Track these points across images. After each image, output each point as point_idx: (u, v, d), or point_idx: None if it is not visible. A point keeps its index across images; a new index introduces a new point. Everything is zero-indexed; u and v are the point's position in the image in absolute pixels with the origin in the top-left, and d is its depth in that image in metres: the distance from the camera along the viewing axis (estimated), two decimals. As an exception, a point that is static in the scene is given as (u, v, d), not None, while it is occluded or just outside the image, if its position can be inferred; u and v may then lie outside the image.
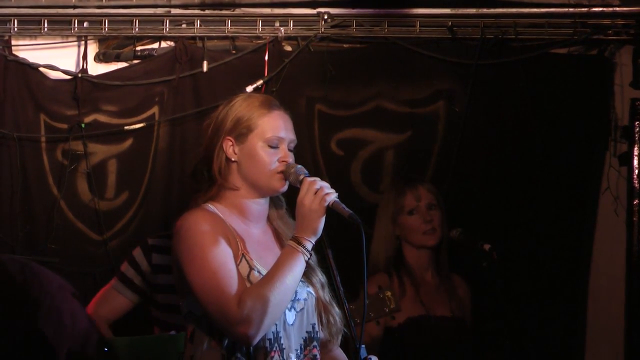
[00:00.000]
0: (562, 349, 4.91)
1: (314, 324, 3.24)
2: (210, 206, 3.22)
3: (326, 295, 3.25)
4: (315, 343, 3.24)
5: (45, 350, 3.09)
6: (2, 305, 3.05)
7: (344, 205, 3.09)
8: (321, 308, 3.25)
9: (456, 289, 4.51)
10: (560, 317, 4.92)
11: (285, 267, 3.10)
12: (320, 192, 3.10)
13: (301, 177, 3.16)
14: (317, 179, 3.14)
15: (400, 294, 4.31)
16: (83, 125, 4.90)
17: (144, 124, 4.96)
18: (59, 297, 3.14)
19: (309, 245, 3.12)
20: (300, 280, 3.20)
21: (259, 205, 3.26)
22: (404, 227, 4.43)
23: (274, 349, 3.14)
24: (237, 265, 3.12)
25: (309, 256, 3.12)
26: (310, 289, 3.25)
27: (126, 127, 4.95)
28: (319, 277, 3.26)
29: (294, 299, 3.19)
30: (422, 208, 4.42)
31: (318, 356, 3.24)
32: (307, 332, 3.23)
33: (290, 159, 3.23)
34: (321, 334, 3.28)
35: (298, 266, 3.11)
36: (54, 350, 3.10)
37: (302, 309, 3.22)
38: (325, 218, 3.10)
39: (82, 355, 3.17)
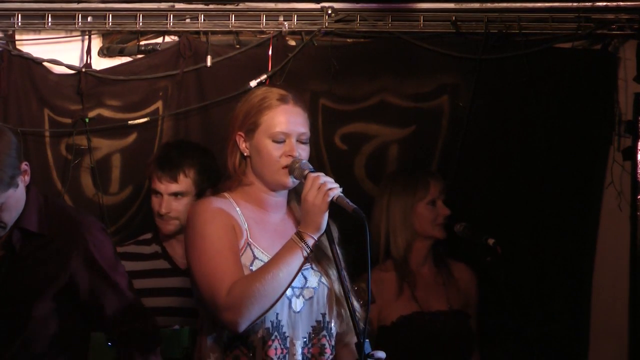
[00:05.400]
0: (566, 344, 4.90)
1: (325, 313, 3.28)
2: (226, 194, 3.28)
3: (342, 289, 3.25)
4: (324, 332, 3.27)
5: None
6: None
7: (348, 200, 3.09)
8: (333, 300, 3.28)
9: (456, 280, 4.52)
10: (563, 312, 4.90)
11: (281, 261, 3.13)
12: (324, 187, 3.11)
13: (305, 172, 3.18)
14: (321, 174, 3.15)
15: (397, 291, 4.34)
16: (87, 120, 4.90)
17: (148, 118, 4.96)
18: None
19: (310, 241, 3.14)
20: (313, 269, 3.27)
21: (276, 197, 3.31)
22: (418, 216, 4.43)
23: (273, 337, 3.18)
24: (241, 254, 3.18)
25: (308, 251, 3.13)
26: (324, 279, 3.28)
27: (130, 122, 4.95)
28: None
29: (303, 287, 3.23)
30: (441, 200, 4.43)
31: (327, 345, 3.27)
32: (316, 321, 3.27)
33: (302, 151, 3.25)
34: (333, 325, 3.30)
35: (295, 261, 3.13)
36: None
37: (312, 297, 3.25)
38: (335, 212, 3.11)
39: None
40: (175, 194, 4.34)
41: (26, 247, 3.43)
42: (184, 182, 4.33)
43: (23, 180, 3.41)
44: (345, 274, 3.26)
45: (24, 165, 3.43)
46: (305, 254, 3.12)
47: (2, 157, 3.32)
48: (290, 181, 3.24)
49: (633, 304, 4.87)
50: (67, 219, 3.51)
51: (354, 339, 3.22)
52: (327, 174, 3.18)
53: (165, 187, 4.34)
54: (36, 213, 3.44)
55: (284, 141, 3.26)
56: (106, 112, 4.96)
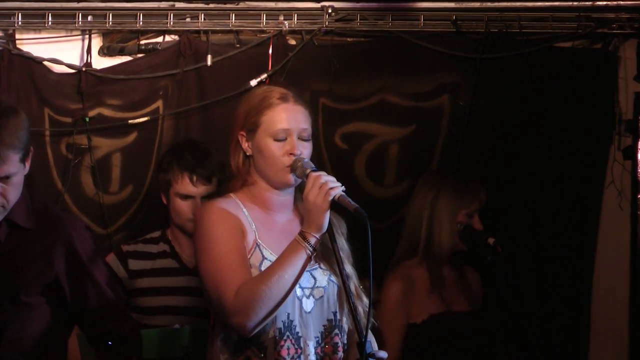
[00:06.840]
0: (566, 343, 4.90)
1: (336, 312, 3.29)
2: (231, 195, 3.28)
3: (352, 287, 3.25)
4: (337, 331, 3.28)
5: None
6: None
7: (349, 199, 3.10)
8: (344, 297, 3.28)
9: (471, 282, 4.53)
10: (564, 311, 4.91)
11: (286, 261, 3.13)
12: (325, 186, 3.12)
13: (307, 171, 3.18)
14: (323, 173, 3.16)
15: (429, 289, 4.35)
16: (87, 119, 4.90)
17: (148, 117, 4.96)
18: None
19: (313, 241, 3.14)
20: (321, 268, 3.28)
21: (281, 196, 3.32)
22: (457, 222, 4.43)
23: (285, 337, 3.18)
24: (250, 255, 3.19)
25: (312, 251, 3.14)
26: (333, 278, 3.29)
27: (130, 121, 4.95)
28: (346, 268, 3.26)
29: (313, 287, 3.24)
30: (477, 215, 4.43)
31: (340, 343, 3.28)
32: (328, 320, 3.27)
33: (304, 149, 3.26)
34: (344, 323, 3.31)
35: (299, 261, 3.13)
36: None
37: (322, 296, 3.26)
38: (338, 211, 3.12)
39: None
40: (206, 197, 4.27)
41: (11, 240, 3.43)
42: (214, 184, 4.30)
43: (27, 165, 3.41)
44: (351, 270, 3.27)
45: (31, 150, 3.44)
46: (308, 253, 3.13)
47: (21, 132, 3.33)
48: (293, 179, 3.25)
49: (633, 303, 4.88)
50: (51, 215, 3.53)
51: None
52: (327, 174, 3.18)
53: (198, 189, 4.30)
54: (24, 207, 3.45)
55: (285, 139, 3.26)
56: (106, 112, 4.96)
